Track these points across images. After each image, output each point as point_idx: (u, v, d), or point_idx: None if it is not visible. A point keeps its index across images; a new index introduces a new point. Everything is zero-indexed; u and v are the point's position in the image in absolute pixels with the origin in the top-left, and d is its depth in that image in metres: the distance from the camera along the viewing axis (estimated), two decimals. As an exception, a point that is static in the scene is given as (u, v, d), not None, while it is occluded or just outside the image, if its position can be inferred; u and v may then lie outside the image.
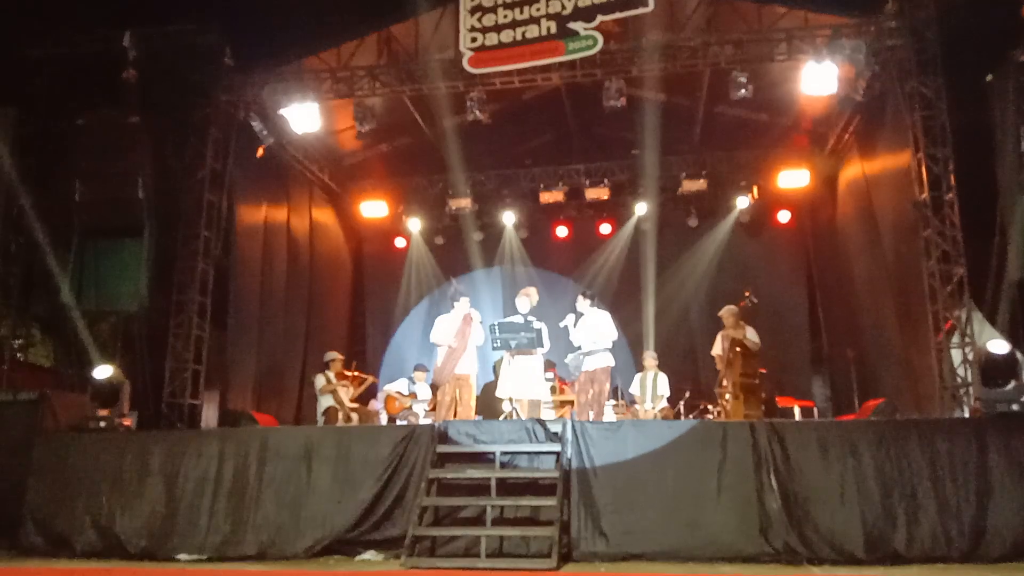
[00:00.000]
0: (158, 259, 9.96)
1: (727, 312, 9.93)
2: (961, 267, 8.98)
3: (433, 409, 10.46)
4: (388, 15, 10.98)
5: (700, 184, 13.21)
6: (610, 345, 8.85)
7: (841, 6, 10.01)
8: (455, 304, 9.00)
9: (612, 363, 8.89)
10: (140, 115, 9.79)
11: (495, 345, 8.68)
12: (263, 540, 7.39)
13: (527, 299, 8.90)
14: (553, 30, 9.88)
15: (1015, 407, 7.44)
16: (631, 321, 12.81)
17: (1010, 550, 6.58)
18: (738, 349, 9.63)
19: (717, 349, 10.20)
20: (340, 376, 10.87)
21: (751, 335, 9.81)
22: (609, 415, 9.95)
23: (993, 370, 7.67)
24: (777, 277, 13.92)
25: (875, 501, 6.79)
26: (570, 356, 9.15)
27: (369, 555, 7.19)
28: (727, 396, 9.82)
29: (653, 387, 10.94)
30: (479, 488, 7.23)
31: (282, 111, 10.58)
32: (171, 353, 10.07)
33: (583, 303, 8.99)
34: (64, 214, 9.87)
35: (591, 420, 8.48)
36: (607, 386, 8.97)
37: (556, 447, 7.30)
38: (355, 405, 10.88)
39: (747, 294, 9.84)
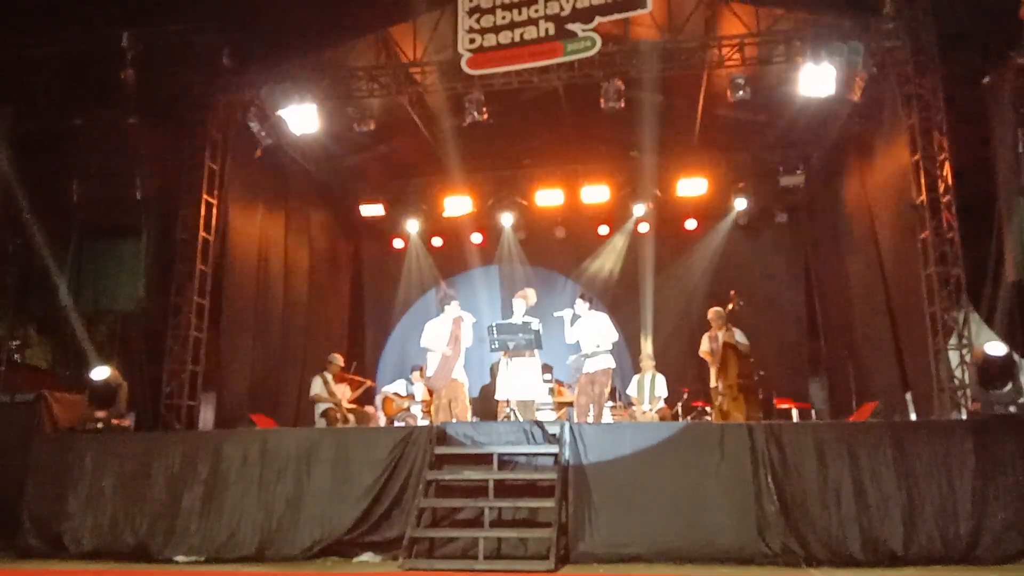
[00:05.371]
0: (156, 260, 9.96)
1: (714, 314, 9.96)
2: (959, 269, 8.98)
3: (429, 412, 10.48)
4: (386, 16, 10.97)
5: (698, 185, 13.22)
6: (611, 347, 8.85)
7: (839, 8, 10.02)
8: (445, 308, 8.99)
9: (613, 365, 8.89)
10: (138, 115, 9.79)
11: (493, 347, 8.68)
12: (261, 541, 7.39)
13: (523, 300, 8.90)
14: (551, 31, 9.88)
15: (1012, 409, 7.45)
16: (629, 322, 12.80)
17: (1008, 552, 6.60)
18: (731, 351, 9.66)
19: (705, 348, 10.22)
20: (339, 378, 10.88)
21: (739, 337, 9.84)
22: (607, 417, 9.95)
23: (990, 372, 7.67)
24: (775, 278, 13.94)
25: (872, 503, 6.81)
26: (572, 358, 9.16)
27: (367, 557, 7.20)
28: (721, 397, 9.85)
29: (651, 388, 10.95)
30: (477, 490, 7.23)
31: (280, 112, 10.56)
32: (169, 354, 10.06)
33: (582, 305, 8.98)
34: (62, 214, 9.86)
35: (590, 422, 8.48)
36: (608, 388, 8.98)
37: (554, 449, 7.29)
38: (353, 406, 10.89)
39: (733, 295, 9.87)
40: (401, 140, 13.33)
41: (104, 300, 9.91)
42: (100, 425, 8.52)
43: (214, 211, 10.60)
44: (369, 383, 11.87)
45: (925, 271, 9.16)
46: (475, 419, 9.61)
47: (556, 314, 9.01)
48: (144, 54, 9.97)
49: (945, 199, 9.11)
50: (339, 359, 10.95)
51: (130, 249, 9.83)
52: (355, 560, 7.18)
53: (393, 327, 14.81)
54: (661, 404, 10.93)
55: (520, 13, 9.97)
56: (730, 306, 9.85)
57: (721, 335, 9.84)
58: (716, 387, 9.90)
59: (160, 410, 9.83)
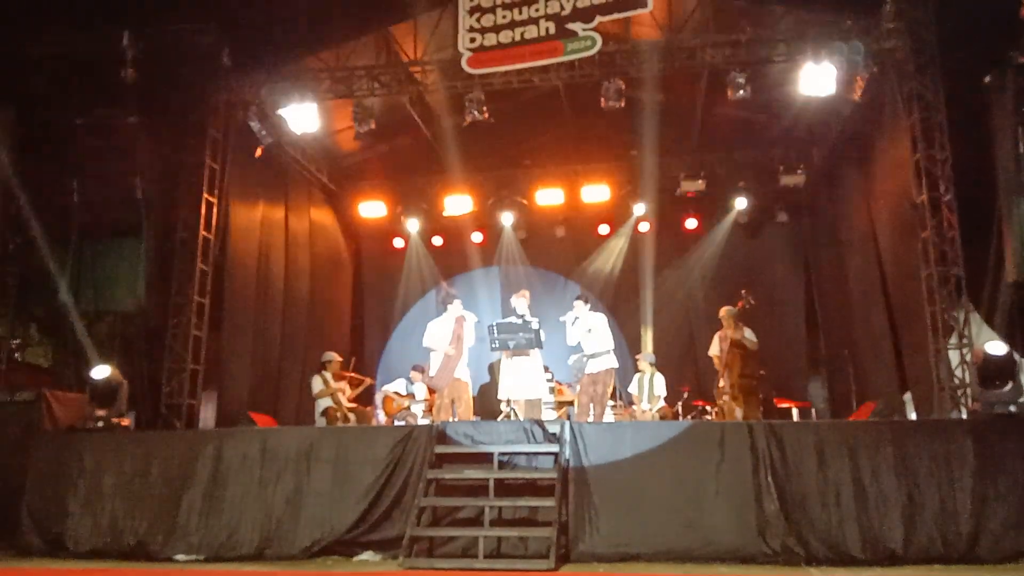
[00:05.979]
0: (156, 259, 9.97)
1: (725, 313, 9.96)
2: (959, 268, 8.97)
3: (431, 411, 10.48)
4: (387, 15, 10.97)
5: (698, 184, 13.19)
6: (612, 347, 8.85)
7: (839, 7, 10.02)
8: (447, 307, 8.98)
9: (616, 365, 8.90)
10: (139, 115, 9.78)
11: (493, 346, 8.68)
12: (261, 540, 7.38)
13: (524, 299, 8.91)
14: (552, 31, 9.89)
15: (1012, 408, 7.45)
16: (629, 321, 12.83)
17: (1008, 551, 6.59)
18: (737, 350, 9.66)
19: (714, 350, 10.22)
20: (338, 377, 10.87)
21: (749, 336, 9.83)
22: (607, 416, 9.95)
23: (991, 371, 7.66)
24: (775, 278, 13.94)
25: (872, 502, 6.80)
26: (573, 358, 9.16)
27: (367, 556, 7.20)
28: (725, 397, 9.85)
29: (651, 388, 10.96)
30: (477, 489, 7.23)
31: (281, 111, 10.59)
32: (169, 353, 10.07)
33: (581, 307, 8.98)
34: (62, 214, 9.85)
35: (590, 421, 8.48)
36: (610, 388, 8.98)
37: (554, 448, 7.29)
38: (353, 405, 10.89)
39: (744, 294, 9.87)
40: (402, 139, 13.34)
41: (104, 299, 9.92)
42: (100, 424, 8.49)
43: (214, 210, 10.61)
44: (369, 381, 11.87)
45: (925, 270, 9.16)
46: (476, 418, 9.62)
47: (560, 319, 9.01)
48: (145, 54, 9.97)
49: (945, 198, 9.12)
50: (335, 356, 10.93)
51: (130, 248, 9.83)
52: (355, 559, 7.18)
53: (393, 326, 14.80)
54: (661, 403, 10.94)
55: (520, 12, 9.98)
56: (740, 305, 9.85)
57: (730, 334, 9.84)
58: (722, 386, 9.91)
59: (160, 409, 9.83)
